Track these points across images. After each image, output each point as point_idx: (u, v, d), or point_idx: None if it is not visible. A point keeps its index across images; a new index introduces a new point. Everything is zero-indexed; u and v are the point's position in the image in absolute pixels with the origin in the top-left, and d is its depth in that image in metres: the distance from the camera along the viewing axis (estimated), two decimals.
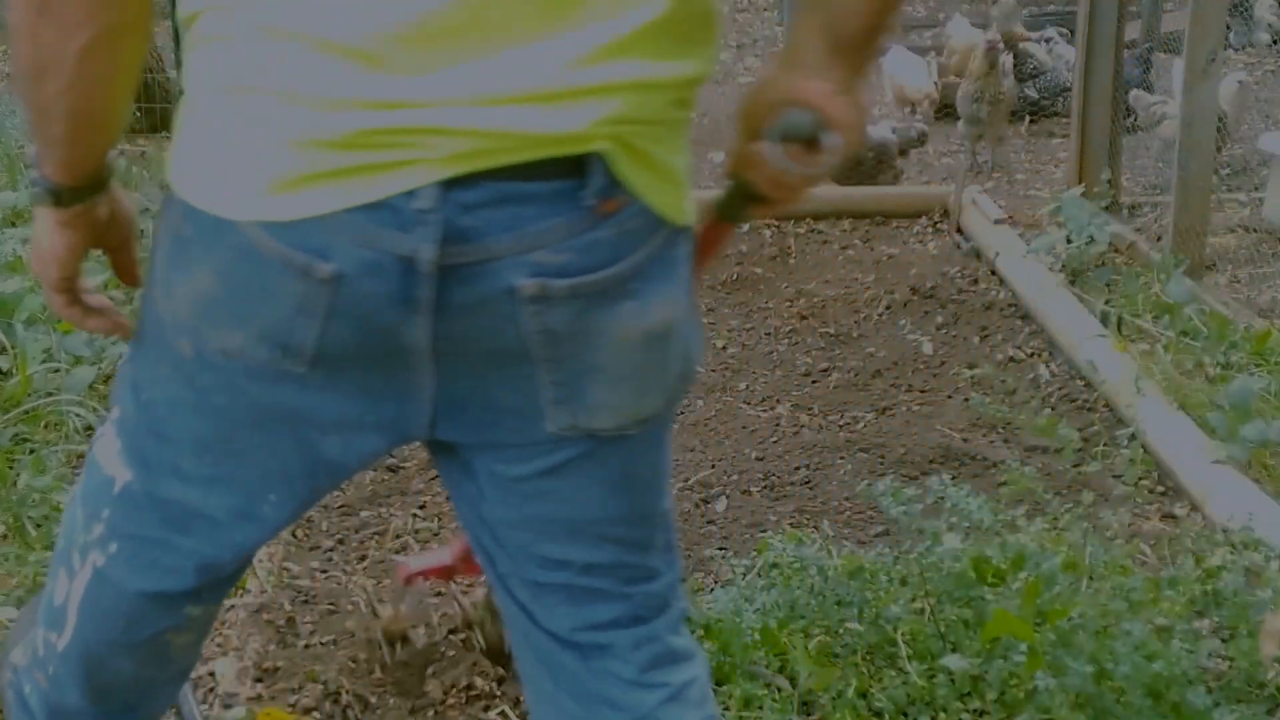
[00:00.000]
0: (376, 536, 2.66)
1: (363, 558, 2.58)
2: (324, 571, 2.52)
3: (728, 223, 1.32)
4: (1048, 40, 7.02)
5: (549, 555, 1.27)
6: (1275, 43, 7.92)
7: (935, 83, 6.63)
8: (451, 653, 2.24)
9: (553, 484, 1.23)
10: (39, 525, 2.55)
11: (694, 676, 1.36)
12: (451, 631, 2.25)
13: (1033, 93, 6.53)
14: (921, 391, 3.37)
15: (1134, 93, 5.66)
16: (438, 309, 1.09)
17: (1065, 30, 7.13)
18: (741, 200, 1.28)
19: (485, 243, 1.07)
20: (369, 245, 1.05)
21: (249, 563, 1.42)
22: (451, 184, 1.05)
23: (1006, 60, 6.16)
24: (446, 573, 2.01)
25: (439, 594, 2.32)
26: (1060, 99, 6.49)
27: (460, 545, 1.87)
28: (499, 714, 2.11)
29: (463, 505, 1.31)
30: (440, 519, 2.71)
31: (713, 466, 2.97)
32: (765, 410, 3.31)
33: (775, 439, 3.12)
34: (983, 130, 5.74)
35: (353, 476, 1.34)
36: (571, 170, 1.08)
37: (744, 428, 3.19)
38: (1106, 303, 3.62)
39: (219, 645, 2.26)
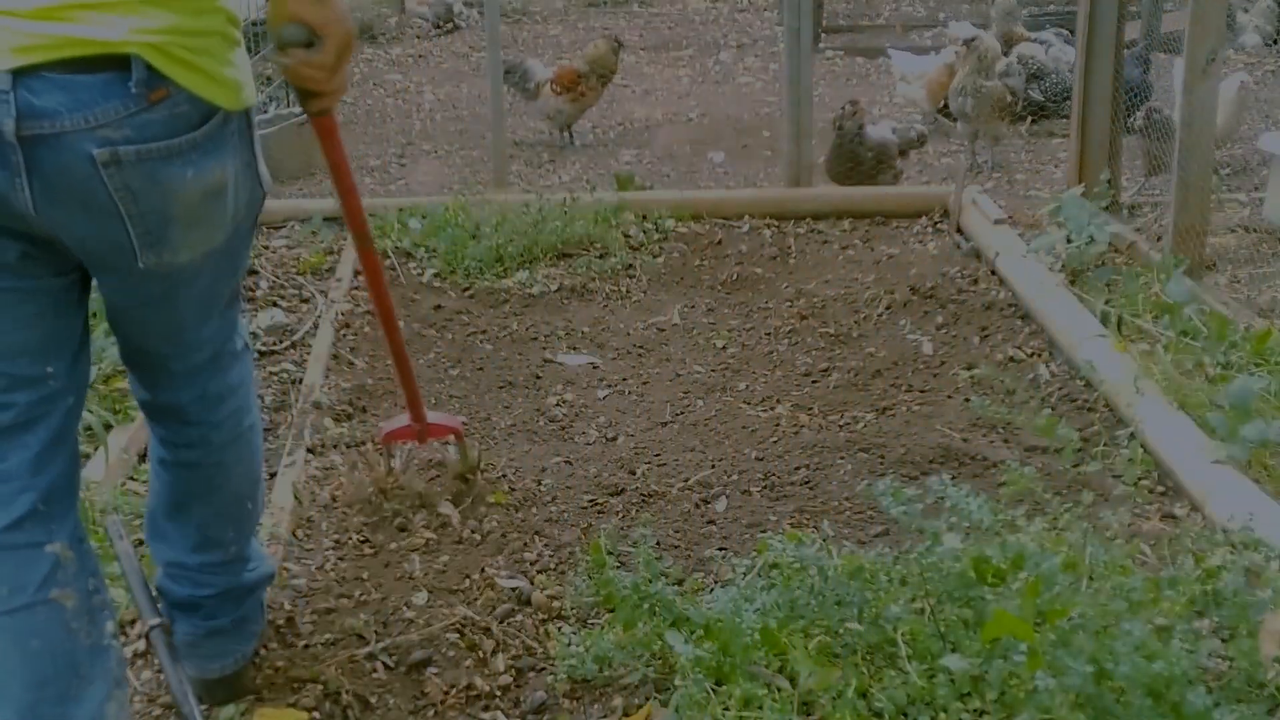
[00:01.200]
0: (376, 535, 2.66)
1: (361, 556, 2.58)
2: (323, 571, 2.52)
3: (312, 115, 1.89)
4: (1045, 44, 6.99)
5: (145, 347, 1.85)
6: (1276, 42, 7.91)
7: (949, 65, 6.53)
8: (451, 653, 2.25)
9: (167, 297, 1.75)
10: None
11: (235, 408, 1.96)
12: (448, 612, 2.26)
13: (1037, 95, 6.47)
14: (921, 391, 3.37)
15: None
16: (31, 171, 1.51)
17: (1065, 31, 7.12)
18: (302, 96, 1.84)
19: (57, 120, 1.49)
20: None
21: (70, 464, 1.76)
22: (21, 72, 1.47)
23: (1010, 61, 6.15)
24: (420, 436, 2.73)
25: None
26: (1067, 102, 6.43)
27: (419, 411, 2.66)
28: (499, 714, 2.11)
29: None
30: (439, 517, 2.72)
31: (713, 466, 2.97)
32: (765, 410, 3.31)
33: (775, 439, 3.11)
34: (976, 126, 5.73)
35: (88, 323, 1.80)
36: (119, 67, 1.51)
37: (744, 428, 3.19)
38: (1106, 303, 3.62)
39: None
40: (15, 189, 1.53)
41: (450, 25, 10.01)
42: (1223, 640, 2.04)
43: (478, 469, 2.86)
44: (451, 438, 2.85)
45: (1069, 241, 4.02)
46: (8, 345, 1.66)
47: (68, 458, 1.76)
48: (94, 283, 1.76)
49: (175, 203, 1.61)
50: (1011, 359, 3.52)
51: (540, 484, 2.89)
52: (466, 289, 4.21)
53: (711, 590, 2.30)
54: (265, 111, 6.00)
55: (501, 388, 3.50)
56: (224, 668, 2.08)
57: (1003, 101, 5.80)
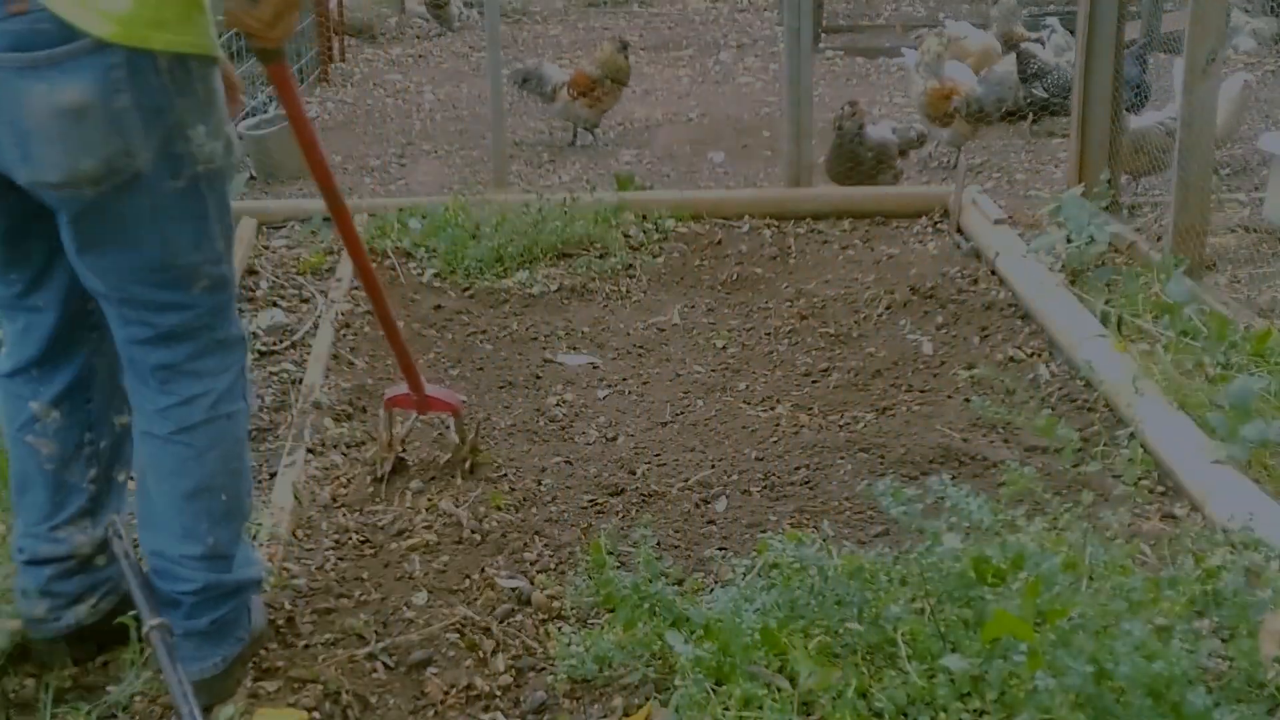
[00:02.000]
0: (376, 535, 2.67)
1: (361, 556, 2.58)
2: (323, 571, 2.52)
3: (264, 61, 1.97)
4: (1046, 27, 6.98)
5: (93, 287, 1.90)
6: (1277, 42, 7.91)
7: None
8: (451, 653, 2.25)
9: (80, 235, 1.82)
10: None
11: (207, 389, 1.96)
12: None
13: (1040, 92, 6.44)
14: (921, 391, 3.37)
15: None
16: None
17: (1067, 31, 7.11)
18: (246, 38, 1.91)
19: None
20: None
21: (67, 346, 2.00)
22: None
23: (992, 68, 6.15)
24: (421, 407, 2.90)
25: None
26: (1068, 101, 6.42)
27: (416, 381, 2.81)
28: (499, 714, 2.11)
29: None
30: (439, 517, 2.72)
31: (713, 466, 2.97)
32: (765, 410, 3.31)
33: (775, 439, 3.11)
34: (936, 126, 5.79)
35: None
36: None
37: (744, 428, 3.19)
38: (1106, 303, 3.62)
39: None
40: None
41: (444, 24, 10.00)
42: (1223, 640, 2.04)
43: (471, 448, 2.95)
44: (450, 415, 2.98)
45: (1069, 241, 4.02)
46: None
47: (52, 341, 2.00)
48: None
49: (27, 115, 1.69)
50: (1011, 359, 3.52)
51: (540, 484, 2.89)
52: (466, 289, 4.21)
53: (711, 590, 2.30)
54: (266, 111, 6.03)
55: (501, 388, 3.51)
56: (203, 670, 2.05)
57: (934, 105, 5.75)
